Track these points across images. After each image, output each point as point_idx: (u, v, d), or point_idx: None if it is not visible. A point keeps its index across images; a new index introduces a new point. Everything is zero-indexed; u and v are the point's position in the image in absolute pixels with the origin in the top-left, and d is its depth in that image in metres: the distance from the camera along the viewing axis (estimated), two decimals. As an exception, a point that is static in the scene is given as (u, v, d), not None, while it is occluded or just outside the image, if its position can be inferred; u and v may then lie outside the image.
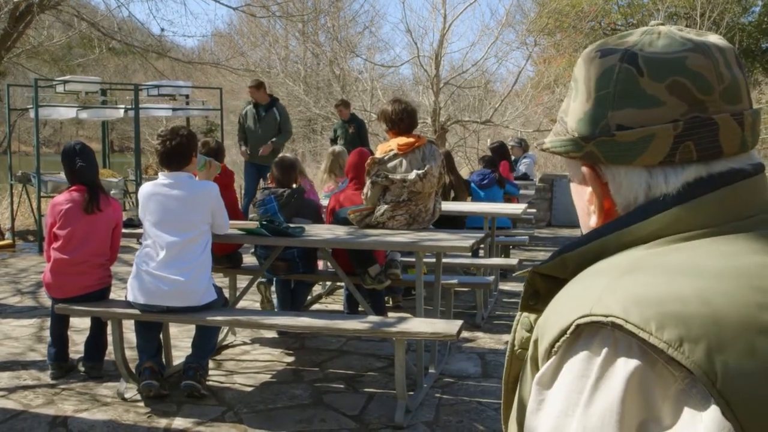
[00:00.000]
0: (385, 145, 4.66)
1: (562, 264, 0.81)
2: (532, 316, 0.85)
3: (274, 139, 9.09)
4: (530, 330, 0.85)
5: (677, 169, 0.77)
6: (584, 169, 0.82)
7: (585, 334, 0.69)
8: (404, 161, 4.51)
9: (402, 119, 4.61)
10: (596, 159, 0.80)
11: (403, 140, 4.56)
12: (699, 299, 0.66)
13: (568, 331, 0.70)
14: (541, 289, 0.83)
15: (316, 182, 6.40)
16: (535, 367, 0.76)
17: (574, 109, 0.83)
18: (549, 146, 0.86)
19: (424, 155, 4.53)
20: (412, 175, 4.43)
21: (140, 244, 4.16)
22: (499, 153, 8.94)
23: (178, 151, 4.07)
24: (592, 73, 0.81)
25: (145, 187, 4.15)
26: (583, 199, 0.86)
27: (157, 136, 4.22)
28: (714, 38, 0.80)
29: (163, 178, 4.10)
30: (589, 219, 0.85)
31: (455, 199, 6.84)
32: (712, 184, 0.76)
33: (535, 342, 0.76)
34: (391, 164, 4.52)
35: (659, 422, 0.65)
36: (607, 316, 0.67)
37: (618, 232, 0.78)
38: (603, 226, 0.80)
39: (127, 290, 4.08)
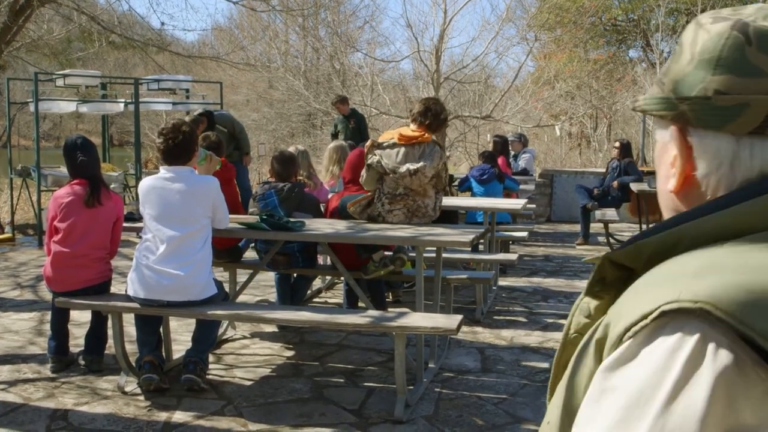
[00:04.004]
0: (389, 133, 4.67)
1: (637, 252, 0.79)
2: (593, 303, 0.85)
3: (246, 153, 9.13)
4: (588, 316, 0.84)
5: (765, 142, 0.76)
6: (672, 128, 0.83)
7: (672, 323, 0.66)
8: (401, 152, 4.51)
9: (423, 113, 4.60)
10: (686, 120, 0.80)
11: (407, 131, 4.57)
12: None
13: (650, 317, 0.67)
14: (609, 276, 0.82)
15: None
16: (599, 351, 0.74)
17: (674, 71, 0.83)
18: (641, 104, 0.86)
19: (423, 153, 4.53)
20: (403, 169, 4.43)
21: (140, 238, 4.16)
22: (500, 148, 8.95)
23: (182, 147, 4.07)
24: (701, 37, 0.81)
25: (146, 181, 4.15)
26: (665, 162, 0.85)
27: (158, 134, 4.20)
28: None
29: (164, 171, 4.10)
30: (667, 183, 0.84)
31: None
32: None
33: (606, 326, 0.73)
34: (387, 151, 4.51)
35: (743, 429, 0.62)
36: (695, 302, 0.65)
37: (697, 221, 0.76)
38: (681, 213, 0.79)
39: (127, 284, 4.09)
